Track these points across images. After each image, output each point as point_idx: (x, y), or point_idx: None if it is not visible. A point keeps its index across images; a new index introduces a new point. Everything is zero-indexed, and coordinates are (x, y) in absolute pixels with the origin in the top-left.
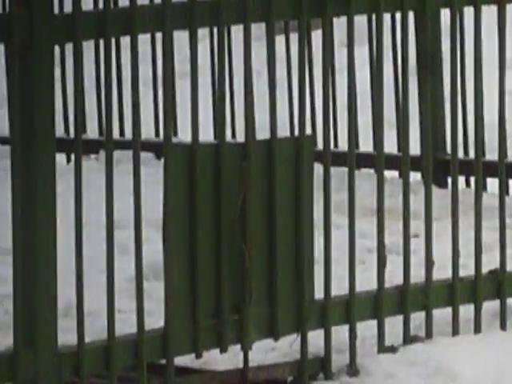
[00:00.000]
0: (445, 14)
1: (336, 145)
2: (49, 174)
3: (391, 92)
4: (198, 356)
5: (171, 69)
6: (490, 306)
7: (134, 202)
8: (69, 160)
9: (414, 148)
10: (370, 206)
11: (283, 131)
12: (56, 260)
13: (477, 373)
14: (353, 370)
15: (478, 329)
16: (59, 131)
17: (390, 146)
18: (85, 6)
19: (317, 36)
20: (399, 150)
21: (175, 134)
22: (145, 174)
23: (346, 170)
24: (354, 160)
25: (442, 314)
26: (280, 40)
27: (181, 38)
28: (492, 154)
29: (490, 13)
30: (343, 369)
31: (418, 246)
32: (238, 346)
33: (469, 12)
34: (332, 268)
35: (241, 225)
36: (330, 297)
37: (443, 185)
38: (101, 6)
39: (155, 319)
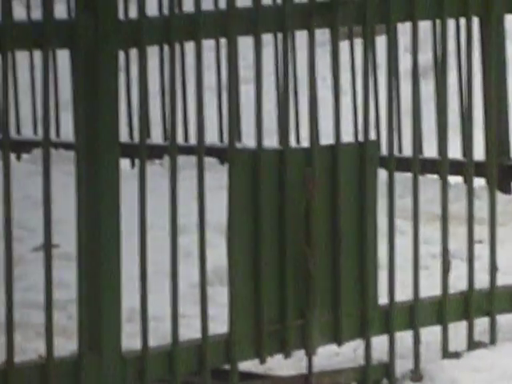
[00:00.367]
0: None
1: (400, 150)
2: (113, 179)
3: (455, 97)
4: (262, 361)
5: (236, 74)
6: None
7: (198, 207)
8: (133, 165)
9: (479, 153)
10: (434, 212)
11: (347, 136)
12: (120, 265)
13: None
14: (417, 375)
15: None
16: (124, 136)
17: (455, 151)
18: (149, 12)
19: (381, 41)
20: (463, 155)
21: (239, 139)
22: (209, 179)
23: (410, 175)
24: (418, 165)
25: (506, 320)
26: (344, 46)
27: (245, 43)
28: None
29: None
30: (407, 374)
31: (482, 251)
32: (302, 352)
33: None
34: (396, 273)
35: (305, 230)
36: (394, 302)
37: (507, 190)
38: (166, 11)
39: (219, 324)
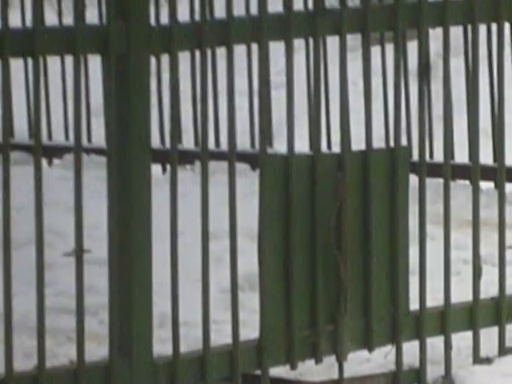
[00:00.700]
0: None
1: (431, 156)
2: (145, 185)
3: (487, 102)
4: (293, 367)
5: (267, 80)
6: None
7: (229, 213)
8: (164, 170)
9: (510, 159)
10: (465, 217)
11: (379, 142)
12: (151, 270)
13: None
14: (448, 381)
15: None
16: (155, 142)
17: (486, 156)
18: (181, 17)
19: (412, 47)
20: (495, 160)
21: (271, 144)
22: (240, 185)
23: (441, 181)
24: (449, 171)
25: None
26: (376, 51)
27: (277, 48)
28: None
29: None
30: (438, 380)
31: None
32: (333, 357)
33: None
34: (427, 279)
35: (336, 235)
36: (425, 308)
37: None
38: (197, 17)
39: (250, 330)
